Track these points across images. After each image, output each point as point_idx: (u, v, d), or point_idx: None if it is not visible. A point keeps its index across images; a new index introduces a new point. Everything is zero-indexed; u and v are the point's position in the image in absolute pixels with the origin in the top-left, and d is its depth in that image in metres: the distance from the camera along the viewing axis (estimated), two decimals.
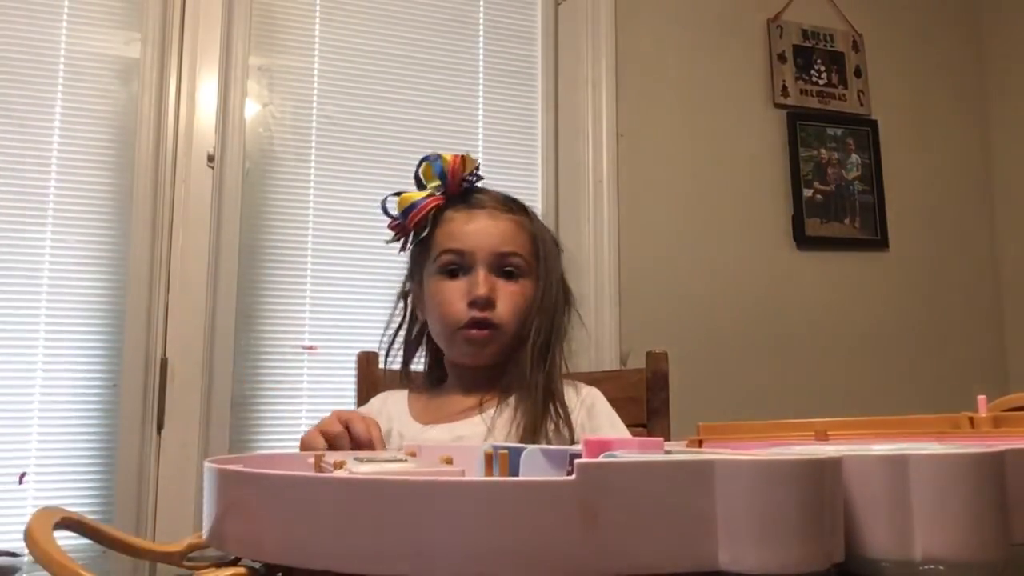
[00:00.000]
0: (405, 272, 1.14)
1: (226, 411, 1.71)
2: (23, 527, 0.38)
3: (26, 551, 0.37)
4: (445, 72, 1.98)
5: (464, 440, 1.00)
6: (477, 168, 1.08)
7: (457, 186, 1.07)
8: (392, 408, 1.10)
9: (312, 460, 0.56)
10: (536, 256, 1.07)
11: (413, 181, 1.10)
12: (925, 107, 2.37)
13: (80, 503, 1.60)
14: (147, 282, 1.68)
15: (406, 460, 0.55)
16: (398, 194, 1.08)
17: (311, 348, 1.79)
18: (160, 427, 1.66)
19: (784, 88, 2.21)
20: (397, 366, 1.14)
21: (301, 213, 1.83)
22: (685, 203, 2.09)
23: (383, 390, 1.18)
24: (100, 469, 1.63)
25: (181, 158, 1.74)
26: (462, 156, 1.07)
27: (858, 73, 2.29)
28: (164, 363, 1.68)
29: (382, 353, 1.14)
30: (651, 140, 2.08)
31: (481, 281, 1.02)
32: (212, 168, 1.75)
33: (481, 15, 2.03)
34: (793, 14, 2.25)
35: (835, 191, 2.21)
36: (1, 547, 0.67)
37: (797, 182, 2.17)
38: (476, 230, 1.05)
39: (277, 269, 1.80)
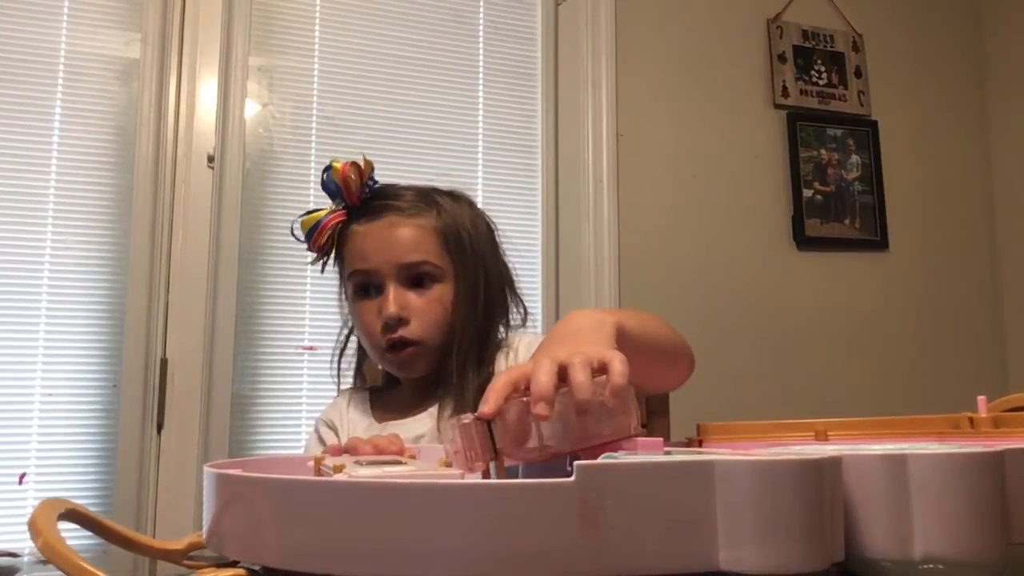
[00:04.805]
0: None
1: (226, 411, 1.71)
2: (23, 527, 0.38)
3: (26, 552, 0.37)
4: (445, 72, 1.97)
5: (423, 438, 0.99)
6: (372, 170, 1.03)
7: (356, 197, 1.02)
8: (355, 410, 1.09)
9: (312, 464, 0.55)
10: (448, 253, 1.01)
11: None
12: (925, 107, 2.37)
13: (80, 503, 1.60)
14: (147, 282, 1.68)
15: (406, 463, 0.56)
16: (308, 213, 1.04)
17: (311, 348, 1.79)
18: (160, 427, 1.66)
19: (784, 88, 2.21)
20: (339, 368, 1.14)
21: (301, 213, 1.83)
22: (685, 203, 2.09)
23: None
24: (100, 469, 1.63)
25: (181, 158, 1.74)
26: (353, 162, 1.01)
27: (858, 73, 2.29)
28: (164, 363, 1.68)
29: (335, 357, 1.13)
30: (651, 140, 2.08)
31: (390, 300, 0.98)
32: (212, 168, 1.75)
33: (481, 15, 2.03)
34: (793, 14, 2.25)
35: (835, 191, 2.21)
36: (1, 547, 0.67)
37: (797, 182, 2.17)
38: (377, 245, 1.00)
39: (277, 269, 1.80)
